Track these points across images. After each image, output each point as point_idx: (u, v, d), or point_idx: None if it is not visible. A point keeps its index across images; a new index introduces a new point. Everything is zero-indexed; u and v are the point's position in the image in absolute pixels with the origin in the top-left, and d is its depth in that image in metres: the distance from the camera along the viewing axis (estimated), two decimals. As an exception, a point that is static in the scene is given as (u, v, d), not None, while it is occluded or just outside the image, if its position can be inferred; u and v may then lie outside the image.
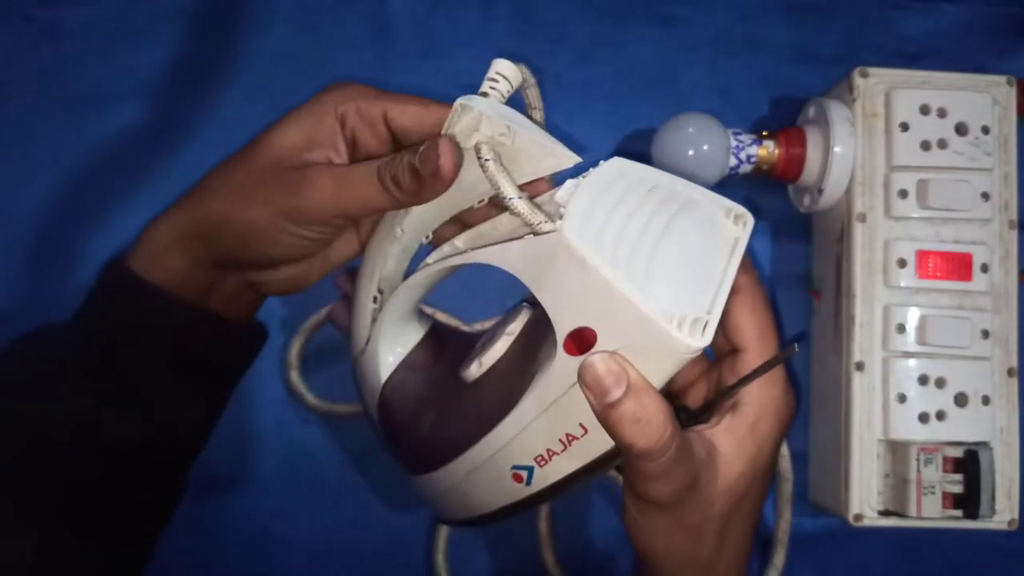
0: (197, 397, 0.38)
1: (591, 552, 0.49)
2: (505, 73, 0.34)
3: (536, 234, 0.30)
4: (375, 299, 0.37)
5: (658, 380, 0.30)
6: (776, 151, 0.45)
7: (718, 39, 0.50)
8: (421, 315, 0.40)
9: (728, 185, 0.49)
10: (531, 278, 0.30)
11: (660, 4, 0.50)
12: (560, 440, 0.32)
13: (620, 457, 0.32)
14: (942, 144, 0.43)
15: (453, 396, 0.37)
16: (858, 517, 0.42)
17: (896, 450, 0.42)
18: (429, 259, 0.36)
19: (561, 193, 0.31)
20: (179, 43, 0.49)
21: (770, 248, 0.50)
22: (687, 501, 0.32)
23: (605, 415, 0.29)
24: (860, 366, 0.43)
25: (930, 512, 0.41)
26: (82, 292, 0.46)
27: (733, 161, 0.45)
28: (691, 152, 0.44)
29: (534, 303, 0.36)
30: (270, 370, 0.48)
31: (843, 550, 0.49)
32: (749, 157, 0.45)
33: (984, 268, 0.43)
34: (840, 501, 0.43)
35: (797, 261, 0.50)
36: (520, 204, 0.30)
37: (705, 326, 0.29)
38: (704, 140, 0.44)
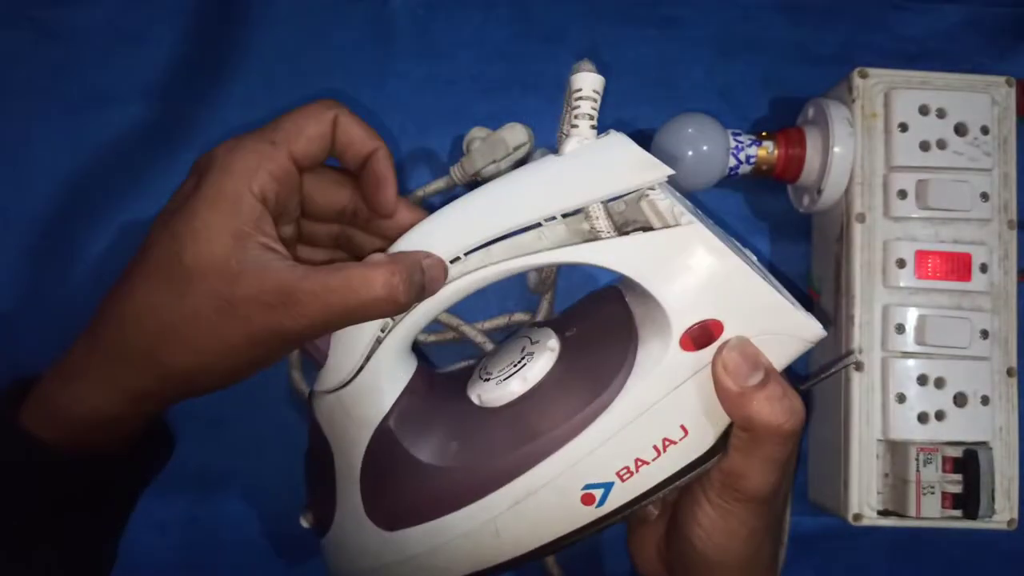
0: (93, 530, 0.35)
1: (591, 552, 0.49)
2: (595, 88, 0.32)
3: (667, 227, 0.30)
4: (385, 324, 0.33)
5: (780, 367, 0.31)
6: (775, 151, 0.45)
7: (718, 39, 0.50)
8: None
9: (727, 185, 0.49)
10: (647, 275, 0.30)
11: (660, 4, 0.50)
12: (655, 447, 0.31)
13: (712, 460, 0.32)
14: (941, 144, 0.43)
15: (479, 419, 0.34)
16: (857, 517, 0.42)
17: (895, 450, 0.42)
18: (461, 268, 0.33)
19: (659, 196, 0.31)
20: (179, 43, 0.48)
21: (769, 248, 0.50)
22: (774, 501, 0.33)
23: (747, 398, 0.30)
24: (859, 366, 0.43)
25: (929, 512, 0.41)
26: (82, 292, 0.47)
27: (732, 161, 0.44)
28: (690, 153, 0.44)
29: (550, 323, 0.36)
30: (271, 370, 0.47)
31: (842, 550, 0.49)
32: (748, 157, 0.45)
33: (983, 268, 0.43)
34: (839, 501, 0.43)
35: (796, 261, 0.50)
36: (657, 199, 0.31)
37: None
38: (704, 141, 0.44)
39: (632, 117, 0.50)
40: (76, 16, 0.48)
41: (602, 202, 0.31)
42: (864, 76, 0.44)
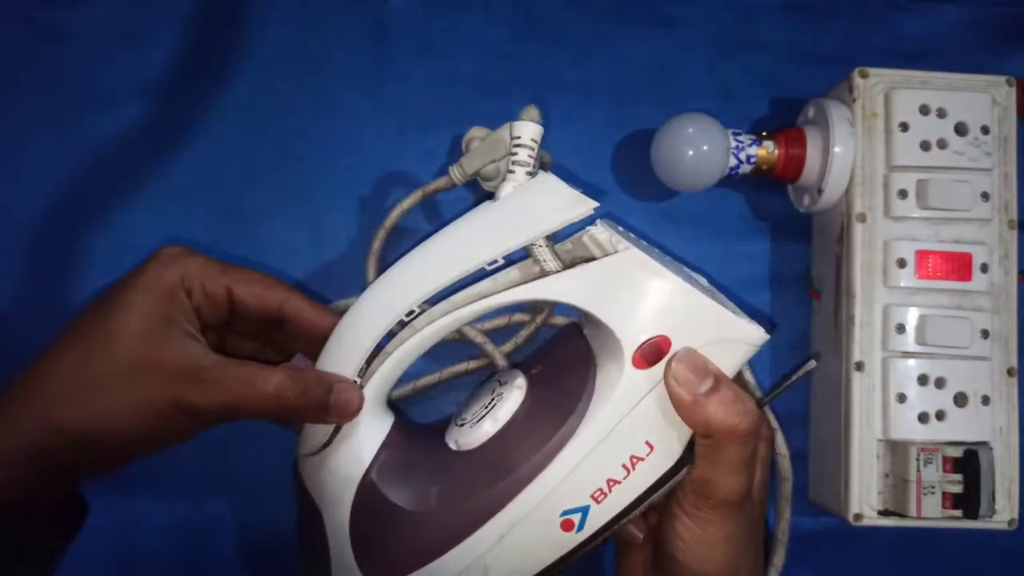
0: None
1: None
2: (533, 136, 0.34)
3: (606, 256, 0.33)
4: (359, 375, 0.35)
5: (732, 373, 0.33)
6: (776, 151, 0.45)
7: (718, 39, 0.50)
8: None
9: (728, 185, 0.49)
10: (593, 302, 0.32)
11: (660, 4, 0.50)
12: (623, 466, 0.32)
13: (681, 471, 0.33)
14: (942, 144, 0.43)
15: (457, 463, 0.35)
16: (858, 517, 0.42)
17: (896, 450, 0.42)
18: (427, 318, 0.35)
19: (599, 230, 0.34)
20: (179, 43, 0.48)
21: (770, 248, 0.50)
22: (746, 504, 0.34)
23: (701, 405, 0.31)
24: (860, 366, 0.43)
25: (930, 512, 0.41)
26: (82, 292, 0.47)
27: (733, 161, 0.44)
28: (690, 152, 0.44)
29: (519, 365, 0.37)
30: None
31: (843, 550, 0.49)
32: (749, 157, 0.45)
33: (984, 268, 0.43)
34: (840, 501, 0.43)
35: (797, 261, 0.50)
36: (597, 232, 0.33)
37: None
38: (704, 140, 0.43)
39: (632, 117, 0.50)
40: (76, 16, 0.48)
41: (545, 242, 0.34)
42: (864, 76, 0.44)
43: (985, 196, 0.43)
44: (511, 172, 0.34)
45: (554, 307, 0.47)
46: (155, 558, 0.47)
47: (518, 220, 0.33)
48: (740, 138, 0.45)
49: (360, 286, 0.47)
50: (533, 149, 0.34)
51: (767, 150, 0.45)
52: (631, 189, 0.50)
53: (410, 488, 0.34)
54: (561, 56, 0.50)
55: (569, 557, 0.34)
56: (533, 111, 0.34)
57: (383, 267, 0.47)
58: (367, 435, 0.35)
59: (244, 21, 0.49)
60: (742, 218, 0.50)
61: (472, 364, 0.47)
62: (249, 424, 0.47)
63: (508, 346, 0.47)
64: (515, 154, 0.34)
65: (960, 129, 0.43)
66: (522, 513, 0.32)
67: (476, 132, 0.46)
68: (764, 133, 0.45)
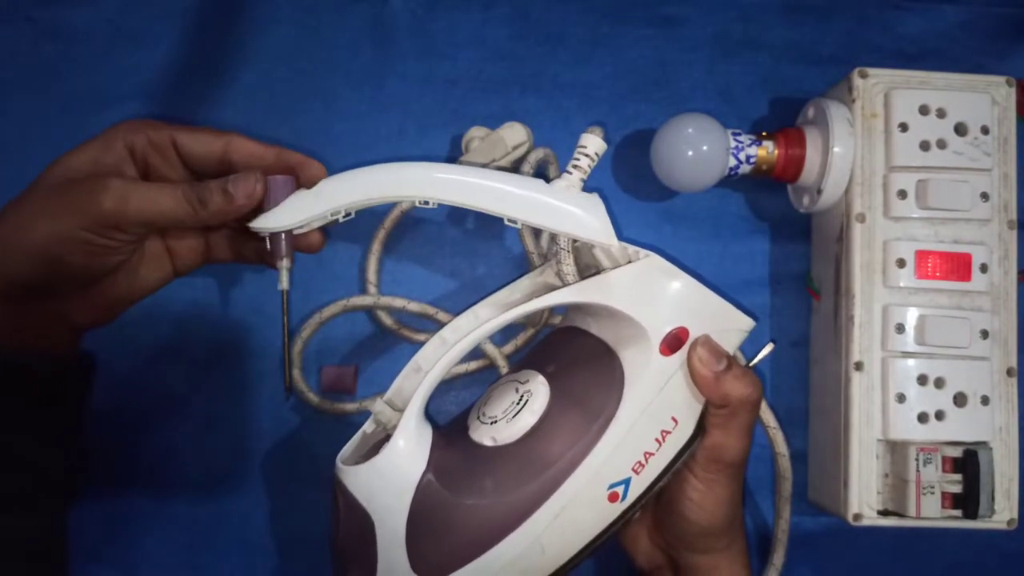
0: (26, 435, 0.37)
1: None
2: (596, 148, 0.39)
3: (631, 263, 0.38)
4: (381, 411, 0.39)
5: (732, 354, 0.39)
6: (775, 151, 0.45)
7: (717, 39, 0.50)
8: None
9: (727, 185, 0.49)
10: (626, 301, 0.38)
11: (660, 4, 0.50)
12: (656, 439, 0.37)
13: (695, 442, 0.39)
14: (941, 144, 0.43)
15: (504, 455, 0.37)
16: (857, 517, 0.42)
17: (895, 450, 0.42)
18: (454, 332, 0.41)
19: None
20: (179, 43, 0.49)
21: (769, 248, 0.50)
22: (744, 465, 0.39)
23: (720, 381, 0.37)
24: (859, 366, 0.43)
25: (929, 512, 0.41)
26: None
27: (732, 161, 0.44)
28: (690, 153, 0.44)
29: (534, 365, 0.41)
30: (270, 370, 0.48)
31: (842, 550, 0.49)
32: (748, 158, 0.45)
33: (983, 268, 0.43)
34: (839, 501, 0.43)
35: (796, 261, 0.50)
36: (619, 244, 0.39)
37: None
38: (703, 141, 0.44)
39: (632, 117, 0.50)
40: (76, 16, 0.48)
41: (571, 247, 0.39)
42: (864, 76, 0.44)
43: (985, 196, 0.43)
44: (568, 173, 0.39)
45: (553, 308, 0.47)
46: (155, 554, 0.47)
47: (559, 210, 0.38)
48: (740, 138, 0.45)
49: (360, 286, 0.48)
50: (593, 161, 0.39)
51: (767, 150, 0.45)
52: (631, 189, 0.50)
53: (466, 483, 0.37)
54: (561, 56, 0.50)
55: (614, 525, 0.37)
56: (600, 130, 0.39)
57: (383, 267, 0.48)
58: (419, 440, 0.38)
59: (244, 21, 0.49)
60: (742, 218, 0.50)
61: (473, 364, 0.48)
62: (250, 424, 0.48)
63: (508, 347, 0.48)
64: (577, 160, 0.39)
65: (960, 129, 0.43)
66: (575, 491, 0.36)
67: (476, 132, 0.46)
68: (764, 133, 0.45)
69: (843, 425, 0.43)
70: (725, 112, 0.49)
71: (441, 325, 0.47)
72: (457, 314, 0.43)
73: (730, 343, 0.39)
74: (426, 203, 0.38)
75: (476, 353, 0.48)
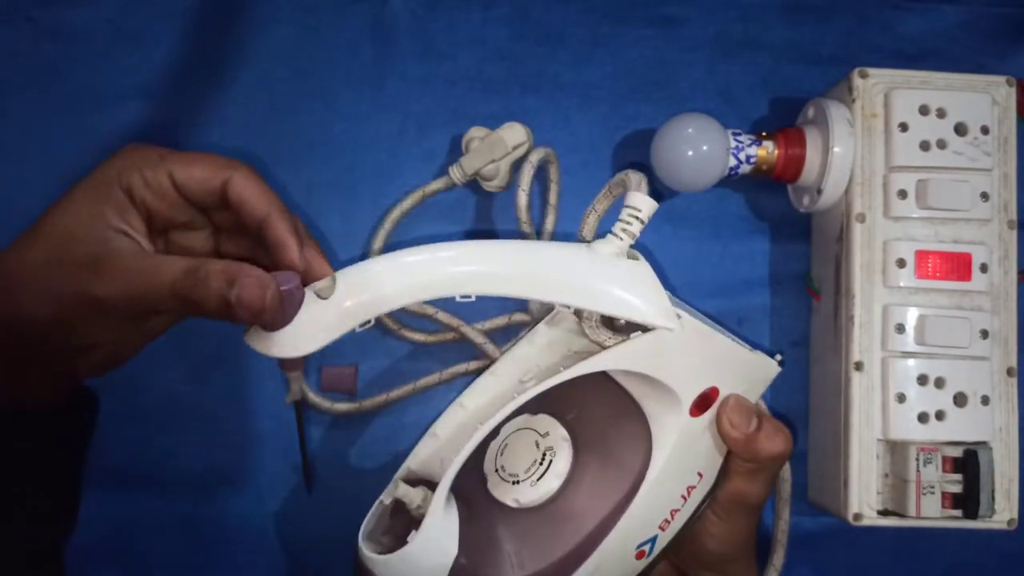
0: (32, 495, 0.35)
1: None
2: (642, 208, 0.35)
3: (651, 329, 0.35)
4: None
5: (757, 401, 0.39)
6: (775, 151, 0.45)
7: (718, 39, 0.50)
8: None
9: (727, 185, 0.49)
10: (652, 366, 0.35)
11: (660, 4, 0.50)
12: (682, 496, 0.37)
13: (718, 488, 0.39)
14: (941, 144, 0.43)
15: (530, 521, 0.37)
16: (857, 517, 0.42)
17: (895, 450, 0.42)
18: (487, 406, 0.40)
19: None
20: (179, 43, 0.48)
21: (769, 248, 0.50)
22: (764, 504, 0.40)
23: (753, 441, 0.37)
24: (859, 366, 0.43)
25: (929, 512, 0.41)
26: None
27: (732, 161, 0.44)
28: (690, 153, 0.43)
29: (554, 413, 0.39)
30: (270, 370, 0.48)
31: (842, 550, 0.49)
32: (748, 158, 0.45)
33: (983, 268, 0.43)
34: (839, 501, 0.43)
35: (796, 261, 0.50)
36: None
37: None
38: (703, 141, 0.43)
39: (631, 118, 0.50)
40: (76, 16, 0.48)
41: (599, 325, 0.36)
42: (864, 76, 0.44)
43: (985, 196, 0.43)
44: (617, 238, 0.35)
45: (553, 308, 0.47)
46: (155, 554, 0.47)
47: (605, 291, 0.34)
48: (740, 138, 0.45)
49: None
50: (644, 224, 0.35)
51: (767, 150, 0.45)
52: (631, 189, 0.50)
53: (498, 559, 0.36)
54: (560, 56, 0.50)
55: (644, 574, 0.38)
56: (646, 184, 0.36)
57: None
58: (447, 523, 0.36)
59: (244, 21, 0.49)
60: (742, 218, 0.50)
61: (472, 365, 0.48)
62: (250, 424, 0.48)
63: (508, 347, 0.47)
64: (628, 224, 0.35)
65: (960, 129, 0.43)
66: (603, 557, 0.36)
67: (476, 132, 0.46)
68: (764, 133, 0.45)
69: (843, 425, 0.43)
70: (725, 112, 0.49)
71: (441, 325, 0.47)
72: (473, 369, 0.42)
73: (757, 393, 0.39)
74: (467, 297, 0.33)
75: (475, 353, 0.48)
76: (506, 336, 0.48)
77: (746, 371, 0.38)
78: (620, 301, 0.34)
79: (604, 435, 0.38)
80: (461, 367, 0.47)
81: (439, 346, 0.48)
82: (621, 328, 0.37)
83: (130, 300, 0.30)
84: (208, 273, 0.30)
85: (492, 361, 0.46)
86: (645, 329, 0.35)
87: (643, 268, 0.35)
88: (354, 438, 0.48)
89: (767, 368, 0.39)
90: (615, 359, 0.36)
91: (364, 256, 0.48)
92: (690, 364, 0.36)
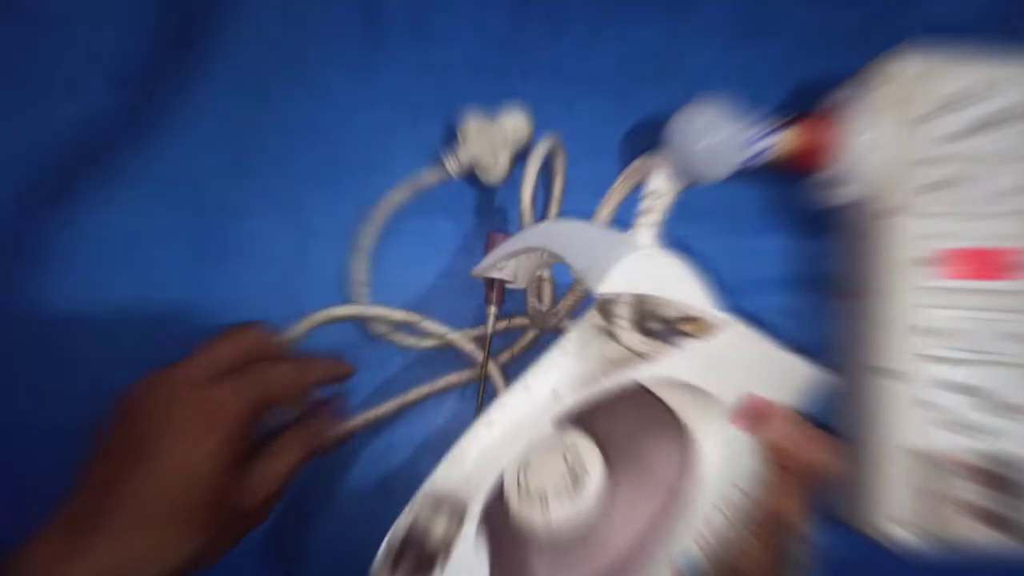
0: None
1: None
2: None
3: (706, 333, 0.35)
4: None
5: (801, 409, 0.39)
6: (796, 142, 0.43)
7: (733, 21, 0.49)
8: None
9: (744, 177, 0.47)
10: (699, 376, 0.35)
11: (670, -17, 0.49)
12: (721, 512, 0.37)
13: (757, 506, 0.38)
14: (976, 133, 0.41)
15: (563, 543, 0.36)
16: (888, 534, 0.41)
17: (927, 462, 0.40)
18: (508, 414, 0.38)
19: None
20: (158, 29, 0.48)
21: (789, 245, 0.49)
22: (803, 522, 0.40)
23: (803, 455, 0.37)
24: (887, 371, 0.41)
25: (963, 529, 0.40)
26: (52, 293, 0.46)
27: (750, 151, 0.43)
28: (704, 144, 0.42)
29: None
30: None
31: (871, 568, 0.46)
32: (766, 148, 0.43)
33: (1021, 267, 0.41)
34: (869, 517, 0.42)
35: (818, 259, 0.49)
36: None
37: None
38: (718, 131, 0.42)
39: (639, 107, 0.49)
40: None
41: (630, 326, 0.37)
42: (893, 60, 0.42)
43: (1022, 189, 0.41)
44: (647, 228, 0.38)
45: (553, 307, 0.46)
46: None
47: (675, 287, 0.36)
48: (757, 126, 0.43)
49: (348, 286, 0.47)
50: (666, 211, 0.38)
51: (786, 140, 0.43)
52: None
53: None
54: (563, 40, 0.49)
55: None
56: (666, 170, 0.39)
57: (374, 266, 0.47)
58: (478, 560, 0.35)
59: (228, 7, 0.48)
60: (759, 212, 0.49)
61: (465, 375, 0.47)
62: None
63: (504, 356, 0.47)
64: (650, 211, 0.38)
65: (995, 117, 0.41)
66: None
67: (473, 121, 0.46)
68: (783, 122, 0.44)
69: (871, 436, 0.42)
70: (741, 99, 0.48)
71: (426, 333, 0.46)
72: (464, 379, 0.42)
73: (801, 401, 0.38)
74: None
75: (468, 362, 0.46)
76: (506, 339, 0.47)
77: (793, 378, 0.37)
78: (687, 296, 0.36)
79: (636, 445, 0.38)
80: (453, 377, 0.47)
81: (432, 355, 0.47)
82: (653, 332, 0.37)
83: (268, 501, 0.39)
84: (302, 439, 0.41)
85: (484, 370, 0.46)
86: (683, 334, 0.36)
87: (682, 262, 0.36)
88: (354, 438, 0.47)
89: (811, 376, 0.38)
90: (661, 367, 0.35)
91: (352, 254, 0.47)
92: (737, 371, 0.36)
